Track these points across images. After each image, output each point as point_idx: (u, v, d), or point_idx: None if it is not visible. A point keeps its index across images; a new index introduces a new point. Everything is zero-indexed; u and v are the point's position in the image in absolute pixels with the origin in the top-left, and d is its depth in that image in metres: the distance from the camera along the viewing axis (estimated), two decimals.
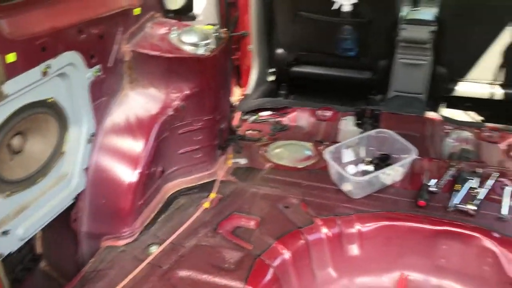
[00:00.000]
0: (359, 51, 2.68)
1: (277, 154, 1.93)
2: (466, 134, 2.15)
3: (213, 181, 1.74)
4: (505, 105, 2.60)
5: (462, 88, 2.66)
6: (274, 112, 2.37)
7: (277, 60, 2.85)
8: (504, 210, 1.56)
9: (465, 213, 1.57)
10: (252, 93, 2.67)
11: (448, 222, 1.53)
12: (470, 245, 1.49)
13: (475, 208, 1.56)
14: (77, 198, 1.42)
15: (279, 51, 2.82)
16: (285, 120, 2.32)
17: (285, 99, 2.79)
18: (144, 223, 1.52)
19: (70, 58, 1.29)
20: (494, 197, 1.63)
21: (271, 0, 2.67)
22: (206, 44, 1.57)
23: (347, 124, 2.23)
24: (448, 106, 2.75)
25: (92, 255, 1.43)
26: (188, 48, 1.56)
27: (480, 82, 2.62)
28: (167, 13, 1.74)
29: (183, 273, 1.34)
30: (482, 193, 1.63)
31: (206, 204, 1.62)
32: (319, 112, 2.32)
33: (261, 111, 2.38)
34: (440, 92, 2.68)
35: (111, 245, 1.45)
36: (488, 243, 1.46)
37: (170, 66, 1.55)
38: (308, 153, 1.94)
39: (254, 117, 2.34)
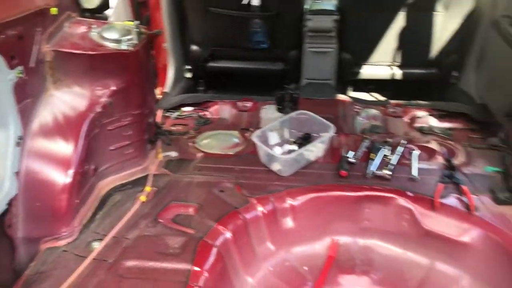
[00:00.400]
0: (270, 43, 2.81)
1: (206, 144, 2.00)
2: (374, 111, 2.36)
3: (146, 175, 1.76)
4: (404, 83, 2.88)
5: (366, 71, 2.89)
6: (196, 107, 2.42)
7: (192, 57, 2.89)
8: (414, 172, 1.77)
9: (382, 178, 1.75)
10: (171, 91, 2.69)
11: (368, 188, 1.70)
12: (389, 205, 1.67)
13: (390, 172, 1.75)
14: (10, 203, 1.39)
15: (194, 48, 2.86)
16: (208, 114, 2.37)
17: (205, 94, 2.85)
18: (83, 222, 1.52)
19: None
20: (404, 162, 1.83)
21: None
22: (129, 40, 1.60)
23: (268, 112, 2.34)
24: (355, 90, 2.98)
25: (31, 260, 1.40)
26: (111, 45, 1.58)
27: (381, 64, 2.87)
28: (84, 12, 1.74)
29: (129, 263, 1.36)
30: (394, 159, 1.83)
31: (143, 198, 1.64)
32: (240, 104, 2.41)
33: (183, 107, 2.42)
34: (347, 76, 2.89)
35: (51, 247, 1.43)
36: (403, 201, 1.65)
37: (94, 63, 1.56)
38: (236, 140, 2.03)
39: (176, 113, 2.36)
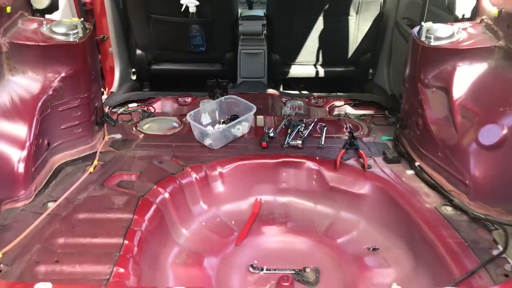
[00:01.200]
0: (207, 46, 3.13)
1: (148, 127, 2.29)
2: (299, 102, 2.70)
3: (94, 152, 2.03)
4: (328, 80, 3.25)
5: (294, 70, 3.25)
6: (140, 103, 2.69)
7: (137, 61, 3.15)
8: (322, 142, 2.12)
9: (296, 147, 2.09)
10: (117, 91, 2.94)
11: (285, 155, 2.03)
12: (301, 168, 2.00)
13: (301, 143, 2.09)
14: None
15: (138, 52, 3.12)
16: (151, 108, 2.65)
17: (149, 92, 3.12)
18: (38, 188, 1.76)
19: None
20: (315, 135, 2.19)
21: (125, 6, 2.99)
22: (75, 34, 1.87)
23: (205, 104, 2.65)
24: (284, 88, 3.33)
25: None
26: (60, 38, 1.85)
27: (306, 64, 3.25)
28: (34, 12, 2.00)
29: (80, 215, 1.62)
30: (306, 133, 2.18)
31: (91, 169, 1.90)
32: (181, 99, 2.70)
33: (129, 104, 2.69)
34: (277, 75, 3.25)
35: (10, 207, 1.66)
36: (312, 164, 1.99)
37: (45, 53, 1.82)
38: (175, 124, 2.32)
39: (122, 109, 2.62)
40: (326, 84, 3.24)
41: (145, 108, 2.62)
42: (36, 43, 1.81)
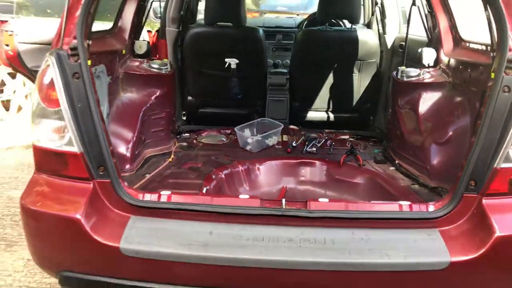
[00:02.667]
0: (243, 94, 4.04)
1: (206, 139, 3.17)
2: (313, 135, 3.57)
3: (170, 151, 2.89)
4: (336, 124, 4.12)
5: (310, 115, 4.11)
6: (192, 133, 3.55)
7: (188, 105, 4.06)
8: (331, 150, 2.97)
9: (311, 153, 2.93)
10: None
11: (303, 157, 2.86)
12: (315, 166, 2.81)
13: (315, 150, 2.94)
14: None
15: (190, 98, 4.05)
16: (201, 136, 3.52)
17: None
18: (137, 168, 2.59)
19: (102, 68, 2.44)
20: (325, 147, 3.03)
21: (183, 63, 3.95)
22: (166, 68, 2.82)
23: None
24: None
25: None
26: (155, 70, 2.80)
27: (320, 110, 4.12)
28: (136, 56, 2.97)
29: (169, 180, 2.45)
30: (319, 145, 3.04)
31: (170, 160, 2.76)
32: (222, 131, 3.58)
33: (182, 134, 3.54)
34: (297, 119, 4.13)
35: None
36: (323, 163, 2.81)
37: (146, 80, 2.75)
38: (223, 139, 3.20)
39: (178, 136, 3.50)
40: (335, 127, 4.10)
41: (196, 136, 3.49)
42: (140, 73, 2.75)
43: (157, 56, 3.67)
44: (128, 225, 1.86)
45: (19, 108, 6.03)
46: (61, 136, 1.92)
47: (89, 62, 1.92)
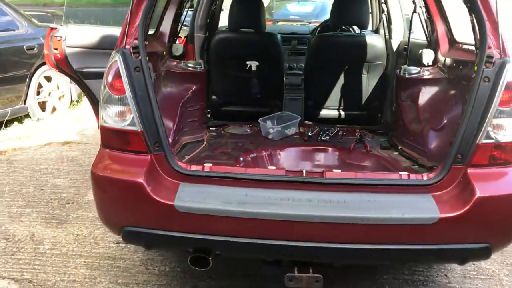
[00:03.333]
0: (263, 93, 4.47)
1: (232, 130, 3.62)
2: (327, 127, 4.00)
3: (203, 139, 3.34)
4: (347, 121, 4.53)
5: (323, 113, 4.53)
6: (218, 127, 4.01)
7: (212, 104, 4.49)
8: (342, 139, 3.40)
9: (325, 141, 3.36)
10: None
11: (318, 144, 3.29)
12: (328, 152, 3.24)
13: (328, 139, 3.37)
14: None
15: (214, 97, 4.49)
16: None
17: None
18: (177, 150, 3.04)
19: (150, 66, 2.89)
20: (337, 136, 3.47)
21: (208, 65, 4.39)
22: (200, 67, 3.28)
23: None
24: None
25: None
26: (191, 69, 3.26)
27: (332, 108, 4.53)
28: (173, 57, 3.43)
29: (206, 160, 2.89)
30: (332, 134, 3.47)
31: (204, 145, 3.21)
32: (244, 125, 4.02)
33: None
34: (312, 116, 4.56)
35: None
36: (335, 149, 3.24)
37: (184, 77, 3.22)
38: (248, 130, 3.65)
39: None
40: (346, 123, 4.53)
41: (223, 129, 3.95)
42: (179, 71, 3.22)
43: (186, 59, 4.14)
44: (179, 189, 2.31)
45: (54, 109, 6.55)
46: (124, 118, 2.38)
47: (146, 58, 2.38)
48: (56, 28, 4.12)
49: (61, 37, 4.00)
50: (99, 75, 3.98)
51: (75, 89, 6.72)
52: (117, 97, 2.37)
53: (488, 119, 2.25)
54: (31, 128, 6.07)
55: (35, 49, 6.11)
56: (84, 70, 4.02)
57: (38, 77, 6.16)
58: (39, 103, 6.28)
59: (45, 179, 4.56)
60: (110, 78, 2.39)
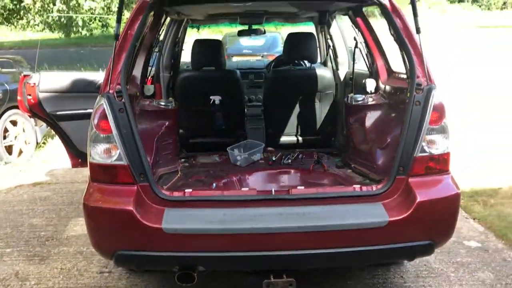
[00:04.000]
0: (227, 125, 4.84)
1: (202, 160, 3.96)
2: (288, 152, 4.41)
3: (177, 170, 3.65)
4: (304, 145, 4.97)
5: (283, 139, 4.94)
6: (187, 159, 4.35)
7: (180, 137, 4.83)
8: (302, 162, 3.81)
9: (288, 164, 3.76)
10: None
11: (281, 167, 3.69)
12: (290, 173, 3.64)
13: (290, 162, 3.78)
14: None
15: (181, 131, 4.83)
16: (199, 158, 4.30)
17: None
18: (156, 180, 3.32)
19: None
20: (298, 159, 3.87)
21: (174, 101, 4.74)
22: (171, 104, 3.63)
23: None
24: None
25: None
26: (163, 106, 3.61)
27: (291, 135, 4.95)
28: (146, 97, 3.77)
29: (181, 182, 3.21)
30: (293, 158, 3.88)
31: (178, 176, 3.52)
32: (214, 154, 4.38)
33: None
34: (273, 143, 4.94)
35: None
36: (296, 171, 3.64)
37: (157, 114, 3.55)
38: (217, 158, 4.01)
39: None
40: (304, 148, 4.96)
41: (193, 161, 4.28)
42: (152, 109, 3.56)
43: (155, 97, 4.49)
44: (165, 213, 2.63)
45: (20, 152, 6.66)
46: (111, 154, 2.69)
47: None
48: (29, 75, 4.39)
49: (34, 83, 4.27)
50: (72, 117, 4.32)
51: (40, 131, 6.87)
52: (104, 136, 2.69)
53: (422, 136, 2.72)
54: None
55: (0, 95, 6.26)
56: (57, 113, 4.30)
57: (3, 122, 6.30)
58: (5, 147, 6.39)
59: (21, 220, 4.70)
60: (96, 120, 2.70)
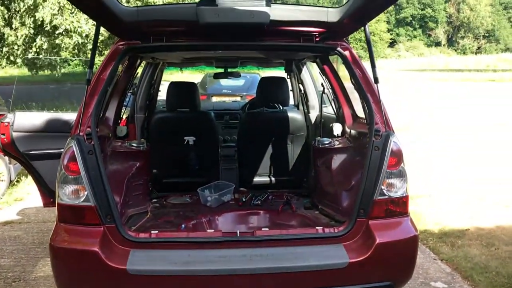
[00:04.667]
0: (200, 165, 4.92)
1: (173, 200, 4.01)
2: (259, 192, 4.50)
3: (147, 210, 3.70)
4: (277, 185, 5.06)
5: (256, 179, 5.01)
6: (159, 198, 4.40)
7: (154, 177, 4.89)
8: (272, 203, 3.89)
9: (257, 205, 3.84)
10: None
11: (251, 208, 3.76)
12: (260, 214, 3.71)
13: (260, 203, 3.85)
14: None
15: (154, 171, 4.88)
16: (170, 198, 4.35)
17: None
18: (125, 221, 3.35)
19: None
20: (268, 200, 3.95)
21: (148, 141, 4.81)
22: (143, 146, 3.71)
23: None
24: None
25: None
26: (135, 148, 3.68)
27: (264, 175, 5.03)
28: (118, 138, 3.84)
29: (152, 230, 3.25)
30: (263, 199, 3.96)
31: (148, 216, 3.56)
32: (185, 195, 4.44)
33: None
34: (246, 183, 5.02)
35: None
36: (265, 212, 3.71)
37: (128, 155, 3.62)
38: (188, 199, 4.06)
39: None
40: (276, 188, 5.06)
41: (165, 200, 4.33)
42: (124, 150, 3.63)
43: (128, 138, 4.56)
44: (130, 255, 2.66)
45: None
46: (78, 195, 2.74)
47: None
48: (4, 114, 4.44)
49: (8, 123, 4.32)
50: (44, 156, 4.35)
51: (14, 170, 6.84)
52: (72, 177, 2.74)
53: (381, 179, 2.84)
54: None
55: None
56: (30, 152, 4.33)
57: None
58: None
59: None
60: (66, 161, 2.76)
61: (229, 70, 5.81)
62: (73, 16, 13.26)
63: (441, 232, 5.36)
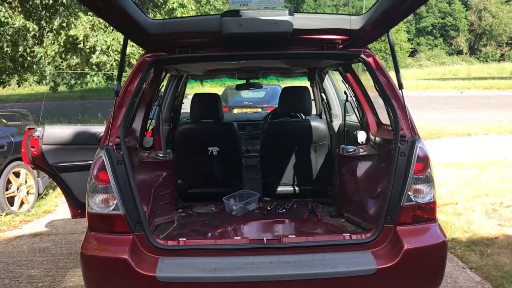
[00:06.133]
0: (224, 175, 4.96)
1: (199, 210, 4.05)
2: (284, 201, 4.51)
3: (173, 220, 3.74)
4: (301, 194, 5.05)
5: (280, 189, 5.04)
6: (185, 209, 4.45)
7: (179, 187, 4.94)
8: (296, 211, 3.89)
9: (282, 213, 3.84)
10: None
11: (276, 216, 3.77)
12: (285, 223, 3.72)
13: (285, 211, 3.86)
14: None
15: (179, 181, 4.95)
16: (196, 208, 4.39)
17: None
18: (152, 230, 3.40)
19: None
20: (292, 209, 3.96)
21: (173, 152, 4.89)
22: (169, 155, 3.77)
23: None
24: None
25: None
26: (161, 158, 3.74)
27: (287, 184, 5.05)
28: (145, 148, 3.91)
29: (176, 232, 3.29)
30: (287, 207, 3.97)
31: (174, 225, 3.60)
32: (209, 205, 4.47)
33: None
34: (270, 193, 5.04)
35: None
36: (291, 220, 3.72)
37: (155, 165, 3.68)
38: (213, 209, 4.09)
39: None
40: (300, 197, 5.05)
41: (190, 211, 4.37)
42: (151, 161, 3.69)
43: (154, 149, 4.64)
44: (159, 262, 2.70)
45: (22, 203, 6.75)
46: (108, 204, 2.80)
47: None
48: (34, 128, 4.57)
49: (38, 136, 4.43)
50: (72, 168, 4.44)
51: (42, 183, 6.99)
52: (102, 186, 2.80)
53: (408, 185, 2.82)
54: (0, 223, 6.24)
55: (5, 147, 6.43)
56: (59, 164, 4.43)
57: (7, 173, 6.43)
58: (7, 197, 6.49)
59: (19, 271, 4.73)
60: (96, 171, 2.83)
61: (250, 81, 5.87)
62: (107, 35, 13.50)
63: (469, 240, 5.26)
